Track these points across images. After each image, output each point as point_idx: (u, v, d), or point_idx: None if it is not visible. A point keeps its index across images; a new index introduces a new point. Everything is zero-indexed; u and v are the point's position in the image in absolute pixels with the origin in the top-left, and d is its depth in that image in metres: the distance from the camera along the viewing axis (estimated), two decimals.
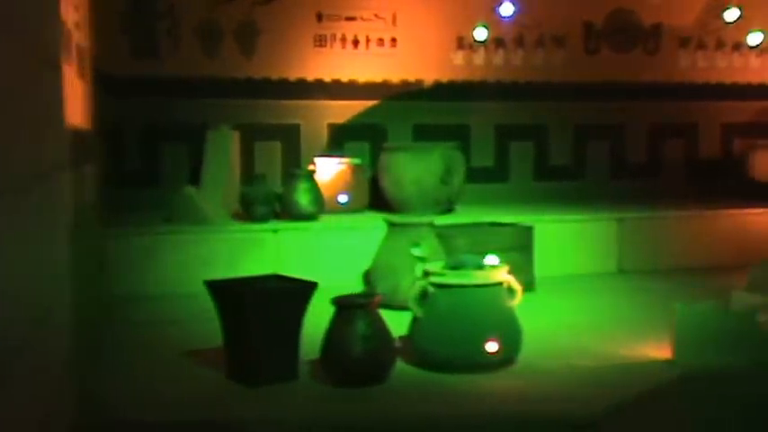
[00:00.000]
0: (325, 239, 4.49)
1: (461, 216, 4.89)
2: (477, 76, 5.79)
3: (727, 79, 6.22)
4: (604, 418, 2.37)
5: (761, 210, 5.10)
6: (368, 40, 5.58)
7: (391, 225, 3.86)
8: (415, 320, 2.80)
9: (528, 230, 4.31)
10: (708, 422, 2.66)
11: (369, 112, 5.61)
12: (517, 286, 2.89)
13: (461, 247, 4.07)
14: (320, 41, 5.50)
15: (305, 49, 5.48)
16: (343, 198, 5.02)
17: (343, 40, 5.53)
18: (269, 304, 2.53)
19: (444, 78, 5.74)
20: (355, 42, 5.55)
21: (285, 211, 4.61)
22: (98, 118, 4.32)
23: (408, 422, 2.39)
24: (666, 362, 2.81)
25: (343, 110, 5.56)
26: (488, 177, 5.84)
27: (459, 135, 5.73)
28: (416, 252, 3.74)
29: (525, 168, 5.93)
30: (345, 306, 2.55)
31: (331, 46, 5.52)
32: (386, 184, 4.97)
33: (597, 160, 6.04)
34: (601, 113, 6.01)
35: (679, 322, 2.79)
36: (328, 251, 4.45)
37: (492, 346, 2.68)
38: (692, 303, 2.80)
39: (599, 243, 4.96)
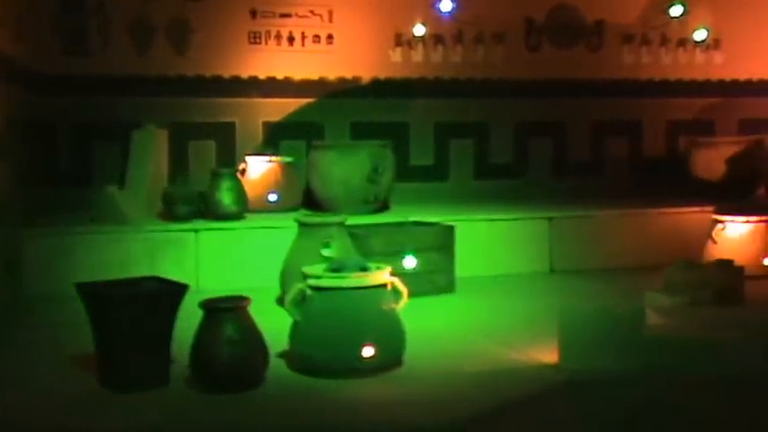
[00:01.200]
0: (247, 239, 4.43)
1: (391, 215, 4.84)
2: (415, 74, 5.74)
3: (672, 76, 6.18)
4: (469, 426, 2.32)
5: (696, 208, 5.05)
6: (303, 37, 5.52)
7: (301, 225, 3.81)
8: (294, 324, 2.74)
9: (448, 230, 4.26)
10: (590, 428, 2.61)
11: (305, 110, 5.56)
12: (403, 288, 2.83)
13: (376, 247, 4.01)
14: (255, 38, 5.44)
15: (239, 46, 5.42)
16: (273, 197, 4.96)
17: (278, 37, 5.47)
18: (133, 308, 2.47)
19: (382, 76, 5.68)
20: (291, 39, 5.49)
21: (208, 210, 4.55)
22: (19, 117, 4.26)
23: (271, 430, 2.33)
24: (552, 366, 2.76)
25: (279, 108, 5.50)
26: (428, 176, 5.80)
27: (397, 133, 5.69)
28: (326, 252, 3.70)
29: (465, 167, 5.88)
30: (213, 309, 2.49)
31: (266, 43, 5.46)
32: (314, 182, 4.92)
33: (539, 158, 6.00)
34: (542, 111, 5.96)
35: (563, 326, 2.74)
36: (250, 251, 4.39)
37: (368, 351, 2.63)
38: (577, 306, 2.75)
39: (531, 243, 4.91)
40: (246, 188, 4.98)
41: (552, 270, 4.91)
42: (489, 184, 5.90)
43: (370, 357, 2.64)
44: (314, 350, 2.65)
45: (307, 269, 2.79)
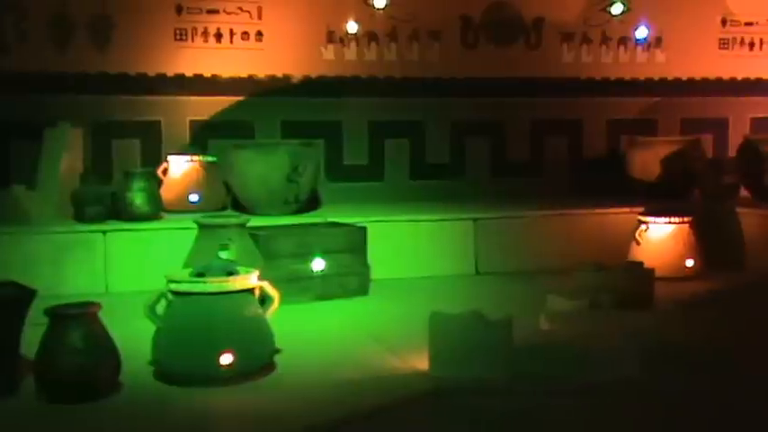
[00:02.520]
0: (157, 241, 4.32)
1: (312, 216, 4.74)
2: (348, 72, 5.63)
3: (613, 75, 6.09)
4: None
5: (626, 209, 4.96)
6: (232, 34, 5.41)
7: (200, 226, 3.70)
8: (156, 330, 2.64)
9: (360, 232, 4.16)
10: None
11: (234, 109, 5.44)
12: (274, 293, 2.73)
13: (282, 249, 3.92)
14: (180, 35, 5.32)
15: (164, 43, 5.30)
16: (194, 197, 4.85)
17: (205, 33, 5.36)
18: None
19: (314, 74, 5.57)
20: (218, 36, 5.38)
21: (120, 211, 4.43)
22: None
23: None
24: (423, 374, 2.67)
25: (207, 106, 5.39)
26: (362, 176, 5.69)
27: (330, 132, 5.60)
28: (224, 255, 3.58)
29: (401, 167, 5.77)
30: (57, 316, 2.39)
31: (192, 40, 5.34)
32: (234, 183, 4.81)
33: (477, 158, 5.90)
34: (480, 110, 5.86)
35: (433, 333, 2.64)
36: (160, 253, 4.28)
37: (227, 359, 2.53)
38: (447, 313, 2.65)
39: (456, 244, 4.82)
40: (168, 188, 4.91)
41: (478, 272, 4.83)
42: (425, 184, 5.80)
43: (228, 365, 2.54)
44: (171, 357, 2.55)
45: (170, 273, 2.69)
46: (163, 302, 2.62)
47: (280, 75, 5.51)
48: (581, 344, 2.67)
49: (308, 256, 3.97)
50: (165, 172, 4.94)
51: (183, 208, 4.79)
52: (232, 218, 3.79)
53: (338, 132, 5.64)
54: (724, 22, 6.23)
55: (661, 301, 3.69)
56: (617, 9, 6.02)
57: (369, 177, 5.71)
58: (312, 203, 5.02)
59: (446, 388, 2.55)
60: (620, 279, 3.66)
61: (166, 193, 4.91)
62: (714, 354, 2.68)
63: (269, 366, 2.71)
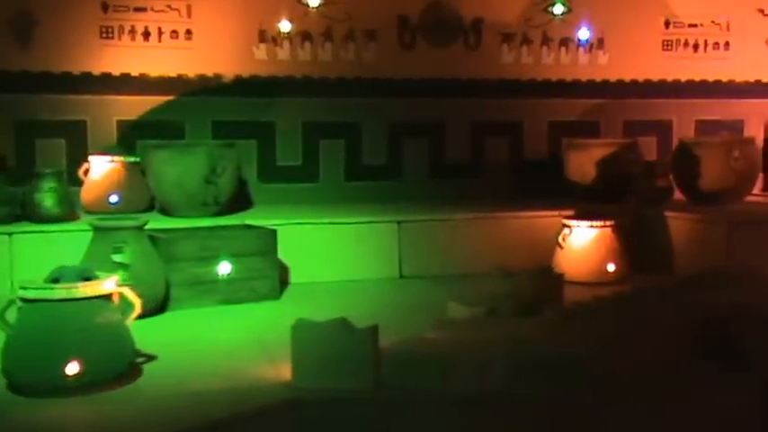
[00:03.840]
0: (64, 243, 4.21)
1: (232, 218, 4.63)
2: (282, 72, 5.53)
3: (554, 76, 6.00)
4: None
5: (555, 212, 4.87)
6: (160, 33, 5.31)
7: (95, 229, 3.61)
8: (6, 338, 2.54)
9: (270, 234, 4.07)
10: None
11: (163, 109, 5.34)
12: (135, 300, 2.64)
13: (185, 252, 3.83)
14: (107, 33, 5.22)
15: (90, 41, 5.19)
16: (113, 198, 4.76)
17: (133, 32, 5.26)
18: None
19: (246, 73, 5.47)
20: (146, 35, 5.28)
21: (28, 213, 4.33)
22: None
23: None
24: (285, 384, 2.58)
25: (135, 106, 5.29)
26: (296, 177, 5.60)
27: (263, 133, 5.51)
28: (117, 258, 3.51)
29: (336, 168, 5.68)
30: None
31: (119, 38, 5.24)
32: (151, 184, 4.71)
33: (416, 160, 5.80)
34: (418, 111, 5.77)
35: (296, 342, 2.55)
36: (67, 256, 4.14)
37: (73, 368, 2.43)
38: (311, 321, 2.57)
39: (379, 247, 4.74)
40: (88, 189, 4.83)
41: (402, 276, 4.75)
42: (362, 185, 5.71)
43: (76, 374, 2.44)
44: (17, 366, 2.46)
45: (24, 280, 2.60)
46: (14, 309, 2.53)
47: (210, 74, 5.41)
48: (454, 354, 2.58)
49: (213, 259, 3.89)
50: (86, 172, 4.86)
51: (103, 209, 4.71)
52: (128, 220, 3.70)
53: (271, 133, 5.55)
54: (667, 23, 6.16)
55: (566, 307, 3.60)
56: (558, 10, 5.95)
57: (303, 179, 5.62)
58: (234, 205, 4.92)
59: (304, 399, 2.46)
60: (524, 285, 3.57)
61: (87, 194, 4.84)
62: (590, 362, 2.59)
63: (128, 375, 2.62)
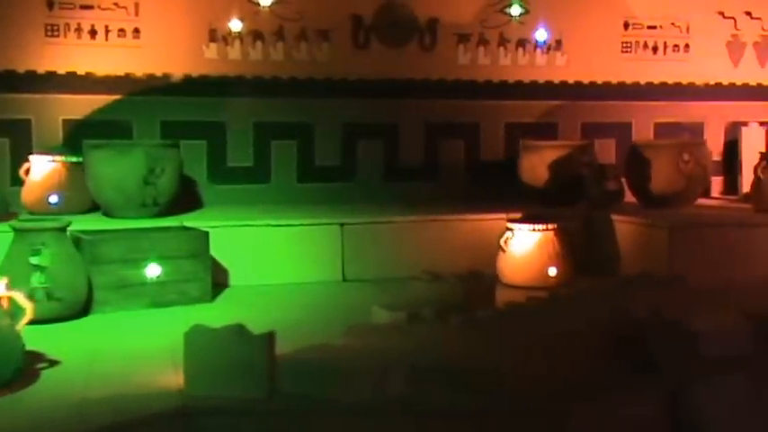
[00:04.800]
0: None
1: (171, 220, 4.57)
2: (232, 71, 5.46)
3: (512, 78, 5.94)
4: None
5: (501, 215, 4.80)
6: (107, 31, 5.23)
7: (15, 230, 3.54)
8: None
9: (202, 236, 4.00)
10: None
11: (111, 108, 5.26)
12: (26, 304, 2.58)
13: (110, 254, 3.76)
14: (52, 31, 5.14)
15: (34, 38, 5.12)
16: (53, 199, 4.69)
17: (79, 29, 5.18)
18: None
19: (195, 73, 5.40)
20: (93, 33, 5.20)
21: None
22: None
23: None
24: (177, 392, 2.51)
25: (81, 105, 5.21)
26: (247, 178, 5.53)
27: (214, 133, 5.45)
28: (34, 260, 3.45)
29: (288, 169, 5.61)
30: None
31: (65, 36, 5.16)
32: (90, 184, 4.64)
33: (369, 161, 5.74)
34: (372, 112, 5.70)
35: (189, 349, 2.49)
36: None
37: None
38: (204, 327, 2.50)
39: (322, 250, 4.68)
40: (29, 189, 4.77)
41: (345, 279, 4.69)
42: (315, 187, 5.64)
43: None
44: None
45: None
46: None
47: (159, 74, 5.34)
48: (352, 361, 2.52)
49: (141, 261, 3.82)
50: (27, 172, 4.79)
51: (43, 210, 4.64)
52: (48, 221, 3.63)
53: (222, 133, 5.48)
54: (626, 25, 6.10)
55: (495, 314, 3.54)
56: (515, 10, 5.89)
57: (254, 180, 5.55)
58: (179, 206, 4.85)
59: (192, 407, 2.40)
60: (452, 290, 3.52)
61: (27, 194, 4.77)
62: (494, 370, 2.53)
63: (19, 383, 2.55)
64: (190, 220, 4.49)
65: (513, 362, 2.54)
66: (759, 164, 4.71)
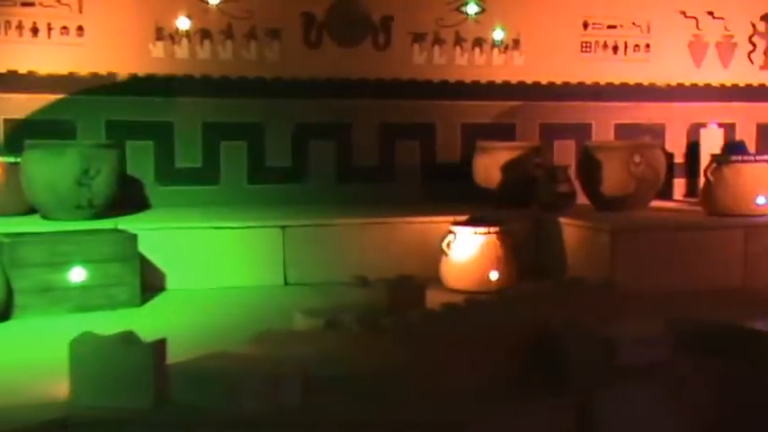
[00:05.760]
0: None
1: (107, 222, 4.45)
2: (180, 71, 5.35)
3: (468, 77, 5.84)
4: None
5: (448, 217, 4.69)
6: (50, 29, 5.13)
7: None
8: None
9: (130, 239, 3.90)
10: None
11: (54, 108, 5.16)
12: None
13: (32, 258, 3.66)
14: None
15: None
16: None
17: (20, 27, 5.08)
18: None
19: (142, 72, 5.30)
20: (35, 31, 5.10)
21: None
22: None
23: None
24: (63, 403, 2.40)
25: (23, 104, 5.10)
26: (196, 179, 5.42)
27: (161, 133, 5.34)
28: None
29: (238, 170, 5.50)
30: None
31: (6, 34, 5.06)
32: (24, 186, 4.53)
33: (322, 162, 5.63)
34: (324, 112, 5.59)
35: (75, 358, 2.38)
36: None
37: None
38: (92, 335, 2.40)
39: (263, 253, 4.58)
40: None
41: (287, 283, 4.59)
42: (265, 188, 5.53)
43: None
44: None
45: None
46: None
47: (104, 72, 5.23)
48: (244, 370, 2.42)
49: (65, 265, 3.72)
50: None
51: None
52: None
53: (169, 134, 5.37)
54: (585, 24, 6.00)
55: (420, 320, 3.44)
56: (472, 9, 5.79)
57: (203, 181, 5.44)
58: (120, 208, 4.74)
59: (74, 417, 2.29)
60: (380, 295, 3.41)
61: None
62: (393, 379, 2.43)
63: None
64: (127, 223, 4.40)
65: (417, 371, 2.44)
66: (709, 166, 4.61)
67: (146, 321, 3.65)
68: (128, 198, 5.12)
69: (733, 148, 4.99)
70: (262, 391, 2.35)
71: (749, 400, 2.59)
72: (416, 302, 3.49)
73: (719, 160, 4.61)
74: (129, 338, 2.38)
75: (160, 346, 2.39)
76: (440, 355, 2.51)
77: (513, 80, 5.91)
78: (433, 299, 3.57)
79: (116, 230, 4.04)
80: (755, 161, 4.53)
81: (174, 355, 2.55)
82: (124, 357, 2.34)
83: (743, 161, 4.51)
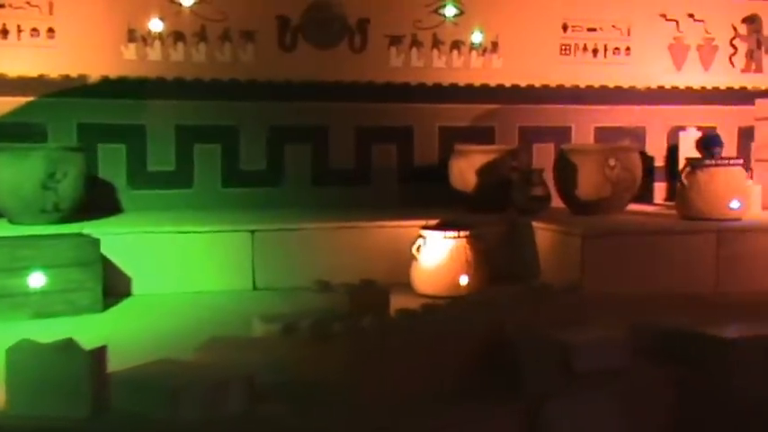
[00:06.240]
0: None
1: (73, 226, 4.38)
2: (152, 73, 5.30)
3: (446, 80, 5.79)
4: None
5: (420, 221, 4.63)
6: (19, 30, 5.07)
7: None
8: None
9: (92, 244, 3.83)
10: None
11: (24, 110, 5.09)
12: None
13: None
14: None
15: None
16: None
17: None
18: None
19: (114, 74, 5.24)
20: (4, 33, 5.04)
21: None
22: None
23: None
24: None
25: None
26: (169, 183, 5.37)
27: (133, 136, 5.28)
28: None
29: (212, 173, 5.44)
30: None
31: None
32: None
33: (297, 166, 5.57)
34: (300, 115, 5.54)
35: (11, 365, 2.32)
36: None
37: None
38: (28, 342, 2.33)
39: (232, 257, 4.52)
40: None
41: (255, 287, 4.52)
42: (240, 192, 5.47)
43: None
44: None
45: None
46: None
47: (75, 75, 5.17)
48: (186, 377, 2.36)
49: (24, 270, 3.65)
50: None
51: None
52: None
53: (142, 137, 5.31)
54: (565, 27, 5.96)
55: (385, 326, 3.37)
56: (450, 11, 5.74)
57: (176, 185, 5.38)
58: (89, 212, 4.69)
59: (10, 426, 2.23)
60: (341, 300, 3.35)
61: None
62: (341, 387, 2.37)
63: None
64: (94, 227, 4.33)
65: (364, 378, 2.38)
66: (683, 170, 4.55)
67: (105, 327, 3.60)
68: (99, 202, 5.08)
69: (708, 142, 4.94)
70: (203, 398, 2.29)
71: (704, 408, 2.53)
72: (379, 308, 3.42)
73: (694, 164, 4.56)
74: (66, 346, 2.31)
75: (99, 353, 2.32)
76: (388, 362, 2.45)
77: (492, 83, 5.86)
78: (397, 304, 3.50)
79: (78, 235, 3.97)
80: (729, 165, 4.48)
81: (124, 362, 2.49)
82: (62, 365, 2.27)
83: (716, 165, 4.46)
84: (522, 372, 2.49)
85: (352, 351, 2.45)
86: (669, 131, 6.16)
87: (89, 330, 3.50)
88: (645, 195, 5.86)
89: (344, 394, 2.38)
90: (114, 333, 3.47)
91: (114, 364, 2.47)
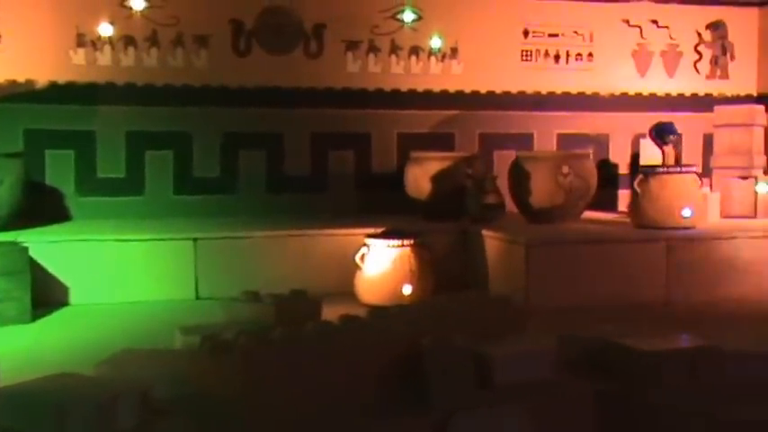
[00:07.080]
0: None
1: (13, 235, 4.27)
2: (102, 78, 5.20)
3: (404, 86, 5.70)
4: None
5: (368, 230, 4.52)
6: None
7: None
8: None
9: (20, 252, 3.73)
10: None
11: None
12: None
13: None
14: None
15: None
16: None
17: None
18: None
19: (62, 79, 5.14)
20: None
21: None
22: None
23: None
24: None
25: None
26: (119, 190, 5.26)
27: (82, 142, 5.19)
28: None
29: (164, 180, 5.34)
30: None
31: None
32: None
33: (251, 172, 5.47)
34: (255, 121, 5.46)
35: None
36: None
37: None
38: None
39: (175, 266, 4.42)
40: None
41: (198, 297, 4.42)
42: (193, 199, 5.37)
43: None
44: None
45: None
46: None
47: (22, 80, 5.08)
48: (74, 393, 2.25)
49: None
50: None
51: None
52: None
53: (91, 143, 5.22)
54: (526, 32, 5.87)
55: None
56: (408, 17, 5.65)
57: (127, 192, 5.28)
58: (26, 219, 4.59)
59: None
60: (269, 311, 3.25)
61: None
62: (236, 403, 2.27)
63: None
64: (30, 235, 4.24)
65: (262, 391, 2.27)
66: (636, 177, 4.46)
67: (28, 338, 3.49)
68: (46, 209, 4.99)
69: (660, 130, 4.85)
70: (91, 415, 2.18)
71: (623, 422, 2.43)
72: (308, 318, 3.32)
73: (646, 171, 4.47)
74: None
75: None
76: (289, 376, 2.34)
77: (452, 89, 5.77)
78: (328, 315, 3.40)
79: (5, 243, 3.86)
80: (681, 172, 4.39)
81: (39, 375, 2.40)
82: None
83: (668, 173, 4.37)
84: (429, 384, 2.39)
85: (250, 364, 2.34)
86: (633, 138, 6.07)
87: (11, 342, 3.40)
88: (608, 203, 5.79)
89: (241, 408, 2.28)
90: (36, 344, 3.38)
91: (29, 375, 2.39)
